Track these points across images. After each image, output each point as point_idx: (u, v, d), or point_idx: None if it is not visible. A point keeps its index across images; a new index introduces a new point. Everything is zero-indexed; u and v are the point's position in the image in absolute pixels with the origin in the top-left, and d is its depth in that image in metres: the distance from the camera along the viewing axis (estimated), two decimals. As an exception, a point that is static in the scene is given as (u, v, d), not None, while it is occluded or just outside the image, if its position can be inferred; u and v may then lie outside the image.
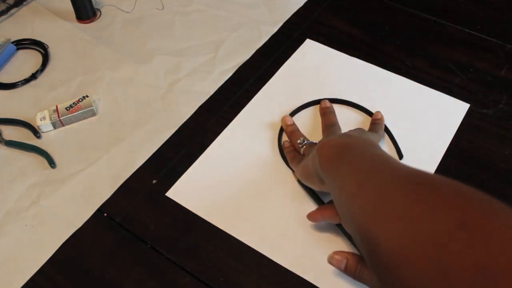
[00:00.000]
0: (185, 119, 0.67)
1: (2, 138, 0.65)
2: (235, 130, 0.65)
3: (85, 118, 0.67)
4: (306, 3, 0.84)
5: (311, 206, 0.57)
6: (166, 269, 0.53)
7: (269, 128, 0.65)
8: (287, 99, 0.68)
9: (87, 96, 0.68)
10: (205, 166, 0.61)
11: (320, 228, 0.55)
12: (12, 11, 0.83)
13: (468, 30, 0.78)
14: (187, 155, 0.63)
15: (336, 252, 0.48)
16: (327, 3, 0.83)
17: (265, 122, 0.66)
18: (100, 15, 0.83)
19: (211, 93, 0.70)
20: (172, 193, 0.59)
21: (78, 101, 0.67)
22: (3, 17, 0.82)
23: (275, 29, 0.79)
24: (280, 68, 0.72)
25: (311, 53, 0.75)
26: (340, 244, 0.53)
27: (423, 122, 0.65)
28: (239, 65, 0.74)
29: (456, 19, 0.80)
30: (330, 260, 0.48)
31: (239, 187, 0.59)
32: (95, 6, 0.82)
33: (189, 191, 0.59)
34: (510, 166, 0.61)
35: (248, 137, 0.64)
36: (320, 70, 0.72)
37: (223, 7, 0.84)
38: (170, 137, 0.65)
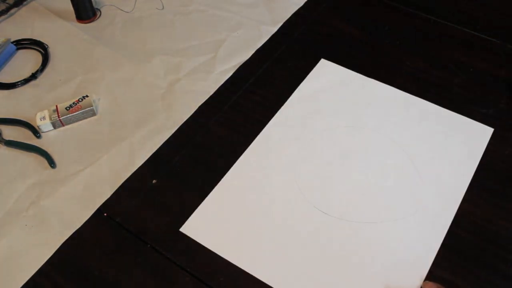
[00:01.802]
0: (185, 119, 0.67)
1: (2, 138, 0.65)
2: (250, 159, 0.62)
3: (85, 118, 0.67)
4: (306, 3, 0.84)
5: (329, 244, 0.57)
6: (166, 269, 0.53)
7: (286, 157, 0.62)
8: (304, 125, 0.65)
9: (87, 96, 0.68)
10: (219, 199, 0.58)
11: (343, 268, 0.53)
12: (12, 11, 0.83)
13: (468, 30, 0.78)
14: (187, 155, 0.63)
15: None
16: (327, 3, 0.83)
17: (281, 150, 0.63)
18: (100, 15, 0.83)
19: (211, 93, 0.70)
20: (187, 229, 0.56)
21: (78, 101, 0.67)
22: (3, 17, 0.82)
23: (275, 29, 0.79)
24: (295, 91, 0.69)
25: (327, 75, 0.72)
26: (363, 282, 0.52)
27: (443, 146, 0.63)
28: (239, 65, 0.74)
29: (456, 19, 0.80)
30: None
31: (255, 222, 0.56)
32: (95, 6, 0.82)
33: (203, 226, 0.56)
34: (510, 165, 0.61)
35: (263, 167, 0.61)
36: (337, 93, 0.69)
37: (223, 7, 0.84)
38: (170, 137, 0.65)
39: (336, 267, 0.52)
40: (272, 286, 0.51)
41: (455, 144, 0.63)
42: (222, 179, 0.60)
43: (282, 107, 0.68)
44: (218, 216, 0.57)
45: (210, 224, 0.56)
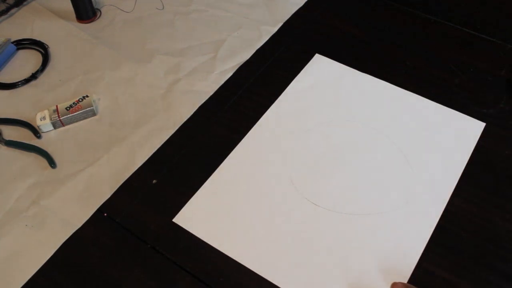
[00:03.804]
0: (185, 119, 0.67)
1: (2, 138, 0.65)
2: (242, 152, 0.63)
3: (85, 118, 0.68)
4: (306, 3, 0.84)
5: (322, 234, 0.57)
6: (166, 269, 0.53)
7: (279, 150, 0.63)
8: (297, 119, 0.66)
9: (87, 96, 0.68)
10: (212, 190, 0.59)
11: (333, 258, 0.53)
12: (12, 11, 0.83)
13: (468, 30, 0.78)
14: (187, 155, 0.63)
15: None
16: (327, 3, 0.83)
17: (274, 144, 0.63)
18: (100, 15, 0.83)
19: (211, 93, 0.70)
20: (179, 219, 0.56)
21: (78, 101, 0.67)
22: (3, 17, 0.82)
23: (275, 29, 0.79)
24: (290, 85, 0.70)
25: (320, 69, 0.72)
26: (353, 274, 0.52)
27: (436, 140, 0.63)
28: (239, 65, 0.74)
29: (456, 19, 0.80)
30: None
31: (247, 212, 0.57)
32: (95, 6, 0.82)
33: (196, 216, 0.57)
34: (510, 166, 0.61)
35: (256, 160, 0.62)
36: (330, 88, 0.70)
37: (223, 7, 0.84)
38: (170, 137, 0.65)
39: (327, 258, 0.53)
40: (263, 276, 0.52)
41: (446, 138, 0.64)
42: (216, 171, 0.61)
43: (276, 101, 0.68)
44: (211, 207, 0.58)
45: (203, 215, 0.57)
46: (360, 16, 0.81)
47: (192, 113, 0.68)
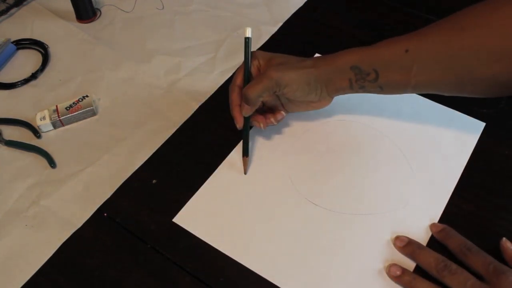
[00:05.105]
0: (185, 119, 0.67)
1: (2, 138, 0.65)
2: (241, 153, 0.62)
3: (85, 118, 0.68)
4: (306, 3, 0.84)
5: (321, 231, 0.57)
6: (166, 269, 0.53)
7: (279, 150, 0.63)
8: (297, 119, 0.66)
9: (87, 96, 0.68)
10: (213, 190, 0.59)
11: (333, 259, 0.53)
12: (12, 11, 0.83)
13: (468, 30, 0.78)
14: (187, 155, 0.63)
15: (393, 265, 0.51)
16: (327, 3, 0.83)
17: (274, 144, 0.63)
18: (100, 15, 0.83)
19: (211, 93, 0.70)
20: (179, 219, 0.56)
21: (78, 101, 0.67)
22: (3, 17, 0.82)
23: (275, 29, 0.79)
24: None
25: None
26: (352, 274, 0.52)
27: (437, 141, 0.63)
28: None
29: (456, 19, 0.79)
30: (388, 272, 0.51)
31: (247, 212, 0.57)
32: (95, 6, 0.83)
33: (196, 216, 0.56)
34: (510, 166, 0.61)
35: (256, 160, 0.62)
36: None
37: (223, 7, 0.84)
38: (170, 137, 0.65)
39: (327, 258, 0.53)
40: (263, 276, 0.52)
41: (446, 137, 0.64)
42: (216, 171, 0.61)
43: None
44: (211, 207, 0.57)
45: (203, 215, 0.57)
46: (361, 16, 0.81)
47: (192, 113, 0.68)
